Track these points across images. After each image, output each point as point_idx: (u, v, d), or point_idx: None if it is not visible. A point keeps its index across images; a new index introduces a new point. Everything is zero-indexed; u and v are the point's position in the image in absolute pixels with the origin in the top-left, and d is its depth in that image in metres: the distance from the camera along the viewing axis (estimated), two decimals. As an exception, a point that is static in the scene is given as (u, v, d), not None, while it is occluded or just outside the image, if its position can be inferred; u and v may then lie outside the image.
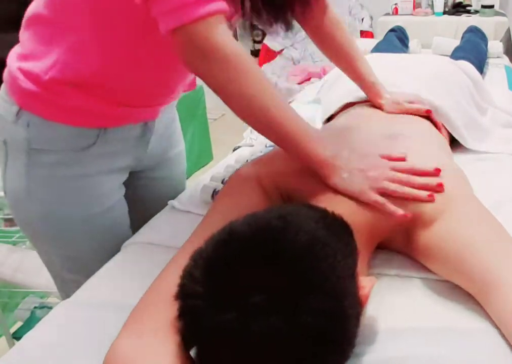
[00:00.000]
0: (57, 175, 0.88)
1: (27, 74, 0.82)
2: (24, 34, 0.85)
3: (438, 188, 0.73)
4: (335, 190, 0.75)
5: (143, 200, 1.10)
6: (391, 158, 0.78)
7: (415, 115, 1.06)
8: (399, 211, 0.71)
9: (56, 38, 0.79)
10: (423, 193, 0.73)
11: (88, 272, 0.89)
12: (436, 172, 0.75)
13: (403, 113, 1.05)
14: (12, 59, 0.86)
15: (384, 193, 0.73)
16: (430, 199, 0.72)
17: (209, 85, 0.72)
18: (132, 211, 1.05)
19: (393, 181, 0.73)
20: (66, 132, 0.85)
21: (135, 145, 0.97)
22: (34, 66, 0.81)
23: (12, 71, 0.84)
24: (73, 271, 0.99)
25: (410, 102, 1.07)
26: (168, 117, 1.07)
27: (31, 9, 0.83)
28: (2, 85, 0.88)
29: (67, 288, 1.01)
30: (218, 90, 0.72)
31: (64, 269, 1.00)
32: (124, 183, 1.01)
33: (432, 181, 0.74)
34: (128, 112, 0.90)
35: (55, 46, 0.79)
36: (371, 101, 1.11)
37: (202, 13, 0.66)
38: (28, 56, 0.83)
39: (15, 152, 0.88)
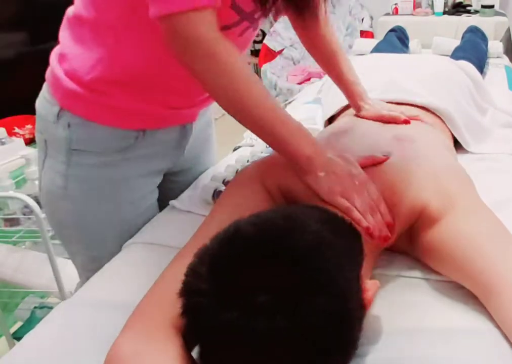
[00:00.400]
0: (95, 177, 0.89)
1: (68, 74, 0.83)
2: (64, 35, 0.86)
3: (385, 239, 0.72)
4: None
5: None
6: (374, 160, 0.79)
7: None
8: (364, 222, 0.70)
9: (96, 38, 0.80)
10: (377, 231, 0.71)
11: None
12: (391, 223, 0.73)
13: (378, 119, 1.02)
14: (54, 59, 0.86)
15: None
16: (381, 242, 0.72)
17: (193, 76, 0.73)
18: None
19: (360, 198, 0.73)
20: (105, 133, 0.86)
21: (174, 147, 0.99)
22: (76, 66, 0.82)
23: (55, 71, 0.85)
24: (92, 270, 0.98)
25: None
26: (204, 121, 1.09)
27: (71, 10, 0.84)
28: (45, 84, 0.89)
29: None
30: (200, 82, 0.74)
31: (87, 269, 1.00)
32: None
33: (388, 230, 0.73)
34: (168, 114, 0.91)
35: (96, 46, 0.80)
36: (349, 101, 1.09)
37: (191, 5, 0.67)
38: (69, 56, 0.83)
39: (55, 151, 0.89)
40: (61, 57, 0.85)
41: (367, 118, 1.05)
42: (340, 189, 0.73)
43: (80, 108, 0.84)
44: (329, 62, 1.06)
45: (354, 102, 1.08)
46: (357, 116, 1.08)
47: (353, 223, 0.65)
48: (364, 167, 0.78)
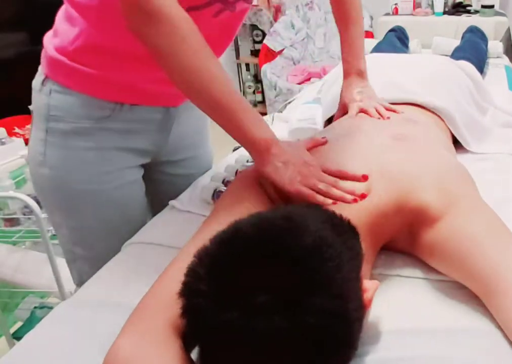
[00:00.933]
0: (71, 144, 0.92)
1: (56, 46, 0.88)
2: (59, 14, 0.90)
3: (361, 197, 0.74)
4: None
5: (164, 196, 1.11)
6: (316, 143, 0.84)
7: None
8: (327, 201, 0.73)
9: (80, 16, 0.84)
10: (348, 197, 0.73)
11: (95, 249, 0.93)
12: (364, 178, 0.76)
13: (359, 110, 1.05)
14: (47, 35, 0.91)
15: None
16: (354, 202, 0.73)
17: (151, 50, 0.73)
18: (154, 205, 1.09)
19: (321, 181, 0.75)
20: (82, 100, 0.89)
21: (156, 130, 1.00)
22: (63, 38, 0.87)
23: (45, 44, 0.90)
24: (79, 244, 1.01)
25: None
26: (198, 113, 1.08)
27: None
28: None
29: (77, 268, 1.04)
30: (157, 57, 0.74)
31: (71, 242, 1.03)
32: (146, 176, 1.05)
33: (358, 188, 0.75)
34: (145, 88, 0.92)
35: (80, 23, 0.84)
36: (343, 70, 1.11)
37: None
38: (59, 31, 0.88)
39: (37, 120, 0.93)
40: (54, 33, 0.90)
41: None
42: (299, 178, 0.75)
43: (60, 75, 0.89)
44: (340, 25, 1.08)
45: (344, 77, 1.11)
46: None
47: (351, 222, 0.65)
48: (310, 149, 0.83)
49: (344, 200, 0.73)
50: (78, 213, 0.97)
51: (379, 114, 1.02)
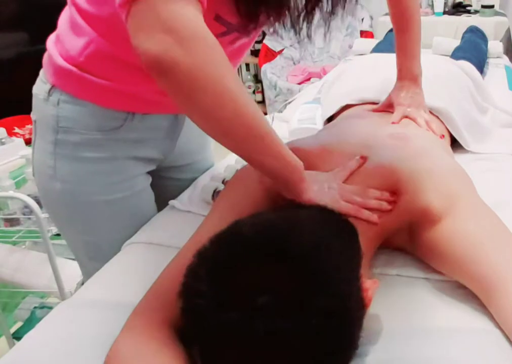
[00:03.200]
0: (82, 156, 0.89)
1: (62, 53, 0.83)
2: (62, 17, 0.86)
3: (392, 202, 0.75)
4: None
5: (167, 199, 1.10)
6: (351, 170, 0.79)
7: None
8: (374, 217, 0.73)
9: (88, 26, 0.79)
10: (385, 204, 0.74)
11: (108, 260, 0.90)
12: (363, 159, 0.78)
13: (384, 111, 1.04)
14: (50, 40, 0.88)
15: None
16: (389, 209, 0.74)
17: (171, 77, 0.60)
18: (159, 210, 1.07)
19: (355, 194, 0.75)
20: (93, 111, 0.86)
21: (164, 137, 0.99)
22: (68, 47, 0.82)
23: (50, 51, 0.86)
24: (93, 258, 1.00)
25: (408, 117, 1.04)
26: None
27: None
28: (42, 69, 0.90)
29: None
30: (187, 82, 0.60)
31: (86, 256, 1.01)
32: (151, 183, 1.03)
33: (383, 204, 0.75)
34: (156, 99, 0.89)
35: (87, 33, 0.79)
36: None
37: None
38: (62, 38, 0.84)
39: (43, 131, 0.89)
40: (57, 38, 0.86)
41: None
42: (337, 196, 0.74)
43: (70, 85, 0.85)
44: (399, 28, 1.06)
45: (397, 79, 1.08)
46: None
47: (351, 221, 0.65)
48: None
49: (381, 209, 0.74)
50: (92, 225, 0.96)
51: (427, 125, 1.02)
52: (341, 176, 0.78)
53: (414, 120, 1.02)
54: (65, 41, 0.84)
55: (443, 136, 1.03)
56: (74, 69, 0.82)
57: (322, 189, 0.74)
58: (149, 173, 1.03)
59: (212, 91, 0.60)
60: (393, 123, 1.01)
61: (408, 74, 1.06)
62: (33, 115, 0.91)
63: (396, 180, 0.76)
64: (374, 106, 1.13)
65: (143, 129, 0.93)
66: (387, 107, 1.09)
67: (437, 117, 1.13)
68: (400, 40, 1.06)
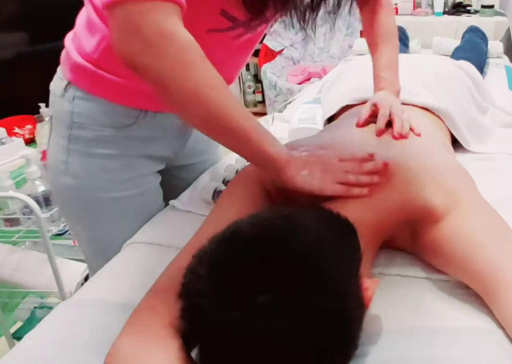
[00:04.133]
0: (94, 152, 0.90)
1: (78, 50, 0.85)
2: (81, 14, 0.87)
3: (384, 167, 0.75)
4: None
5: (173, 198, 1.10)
6: (347, 160, 0.78)
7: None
8: (364, 192, 0.73)
9: (101, 23, 0.80)
10: (375, 177, 0.74)
11: (111, 258, 0.90)
12: (384, 166, 0.76)
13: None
14: (68, 37, 0.89)
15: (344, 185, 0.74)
16: (382, 178, 0.74)
17: (146, 77, 0.65)
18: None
19: (347, 171, 0.75)
20: (106, 108, 0.87)
21: (175, 136, 0.99)
22: (85, 44, 0.84)
23: (67, 47, 0.87)
24: (97, 255, 1.00)
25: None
26: None
27: None
28: (60, 65, 0.92)
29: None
30: (158, 83, 0.65)
31: (92, 254, 1.02)
32: (160, 182, 1.04)
33: (377, 163, 0.76)
34: None
35: (101, 28, 0.80)
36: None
37: None
38: (79, 35, 0.86)
39: (59, 126, 0.91)
40: (74, 35, 0.87)
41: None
42: (330, 177, 0.74)
43: (85, 82, 0.86)
44: (371, 49, 1.04)
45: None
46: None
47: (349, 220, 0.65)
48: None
49: (373, 183, 0.73)
50: (98, 222, 0.96)
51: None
52: (339, 155, 0.78)
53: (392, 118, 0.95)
54: (81, 37, 0.85)
55: (420, 135, 0.96)
56: (89, 65, 0.84)
57: (312, 173, 0.74)
58: (158, 172, 1.04)
59: (179, 93, 0.65)
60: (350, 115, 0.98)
61: (391, 87, 1.00)
62: (50, 111, 0.93)
63: (396, 178, 0.76)
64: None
65: (155, 127, 0.94)
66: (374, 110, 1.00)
67: (438, 117, 1.13)
68: (386, 54, 1.01)
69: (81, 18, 0.87)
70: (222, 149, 1.23)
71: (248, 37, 0.85)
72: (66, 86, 0.87)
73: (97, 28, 0.81)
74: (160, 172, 1.04)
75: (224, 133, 0.70)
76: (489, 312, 0.64)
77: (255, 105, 3.94)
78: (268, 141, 0.72)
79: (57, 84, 0.90)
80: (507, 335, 0.60)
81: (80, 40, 0.85)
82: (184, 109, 0.68)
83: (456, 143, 1.17)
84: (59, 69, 0.91)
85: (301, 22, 0.79)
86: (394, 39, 1.02)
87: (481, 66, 1.81)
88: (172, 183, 1.11)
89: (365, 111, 0.96)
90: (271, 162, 0.72)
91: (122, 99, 0.87)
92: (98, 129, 0.89)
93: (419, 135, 0.91)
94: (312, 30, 0.82)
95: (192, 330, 0.53)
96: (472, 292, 0.67)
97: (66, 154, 0.91)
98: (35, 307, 1.67)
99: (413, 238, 0.76)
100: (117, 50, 0.64)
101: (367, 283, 0.58)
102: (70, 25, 0.90)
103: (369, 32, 1.03)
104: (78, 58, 0.84)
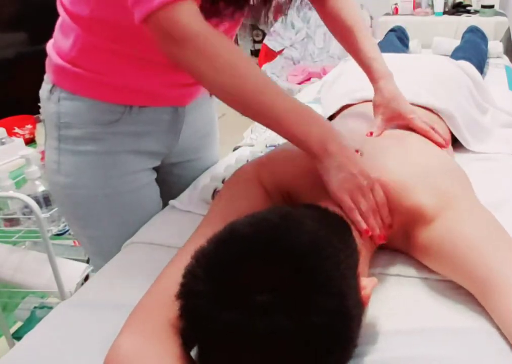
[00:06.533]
0: (83, 150, 0.92)
1: (58, 52, 0.88)
2: (57, 21, 0.90)
3: (383, 239, 0.74)
4: None
5: (169, 196, 1.10)
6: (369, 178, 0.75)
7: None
8: (363, 225, 0.71)
9: (70, 25, 0.84)
10: (377, 231, 0.72)
11: (109, 257, 0.91)
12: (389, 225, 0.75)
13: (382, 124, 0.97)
14: (49, 43, 0.92)
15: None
16: (375, 242, 0.73)
17: (189, 72, 0.72)
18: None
19: (365, 200, 0.72)
20: (90, 105, 0.89)
21: (166, 131, 1.00)
22: (62, 45, 0.87)
23: (48, 52, 0.91)
24: (96, 254, 1.03)
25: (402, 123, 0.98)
26: (207, 115, 1.10)
27: None
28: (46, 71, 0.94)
29: None
30: (197, 77, 0.72)
31: (91, 252, 1.04)
32: (157, 178, 1.05)
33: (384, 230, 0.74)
34: (153, 90, 0.92)
35: (73, 28, 0.84)
36: (371, 83, 1.02)
37: None
38: (57, 38, 0.89)
39: (49, 128, 0.94)
40: (54, 41, 0.91)
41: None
42: (349, 187, 0.71)
43: (68, 82, 0.89)
44: (346, 40, 1.01)
45: (371, 82, 1.02)
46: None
47: (349, 221, 0.65)
48: None
49: (373, 232, 0.72)
50: (95, 220, 0.97)
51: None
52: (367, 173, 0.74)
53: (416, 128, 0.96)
54: (58, 41, 0.88)
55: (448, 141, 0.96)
56: (68, 65, 0.86)
57: (338, 169, 0.71)
58: (155, 169, 1.04)
59: (221, 83, 0.70)
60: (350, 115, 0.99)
61: (382, 73, 0.99)
62: (41, 116, 0.96)
63: (392, 180, 0.76)
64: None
65: (143, 122, 0.94)
66: (389, 120, 0.99)
67: (439, 116, 1.13)
68: (353, 52, 1.01)
69: (57, 22, 0.90)
70: (219, 147, 1.24)
71: (227, 27, 0.86)
72: (51, 89, 0.90)
73: (71, 28, 0.84)
74: (156, 169, 1.05)
75: (258, 113, 0.73)
76: (487, 312, 0.64)
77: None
78: (300, 122, 0.71)
79: (44, 88, 0.93)
80: (503, 335, 0.60)
81: (57, 43, 0.89)
82: (222, 95, 0.72)
83: (456, 143, 1.17)
84: (45, 75, 0.93)
85: (255, 15, 0.82)
86: (360, 22, 1.01)
87: (481, 67, 1.81)
88: (169, 181, 1.12)
89: (379, 124, 0.96)
90: (303, 143, 0.72)
91: (105, 96, 0.89)
92: (85, 127, 0.90)
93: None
94: (268, 24, 0.85)
95: (191, 330, 0.53)
96: (471, 293, 0.67)
97: (58, 155, 0.93)
98: (35, 307, 1.66)
99: (407, 239, 0.76)
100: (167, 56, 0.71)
101: (364, 282, 0.58)
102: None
103: (330, 22, 1.01)
104: (58, 60, 0.87)
